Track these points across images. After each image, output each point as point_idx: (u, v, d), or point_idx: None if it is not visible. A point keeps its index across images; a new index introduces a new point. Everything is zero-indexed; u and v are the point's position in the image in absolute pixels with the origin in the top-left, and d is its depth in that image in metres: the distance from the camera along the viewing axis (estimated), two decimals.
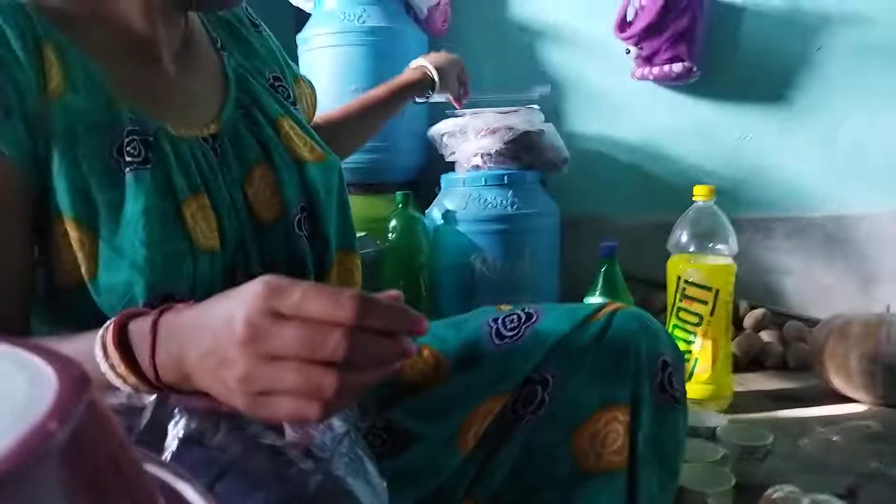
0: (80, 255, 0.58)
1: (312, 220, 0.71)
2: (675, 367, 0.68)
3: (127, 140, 0.60)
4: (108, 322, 0.49)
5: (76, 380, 0.23)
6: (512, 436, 0.67)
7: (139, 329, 0.48)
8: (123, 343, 0.48)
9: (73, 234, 0.58)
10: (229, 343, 0.42)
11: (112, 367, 0.47)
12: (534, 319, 0.72)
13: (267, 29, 0.83)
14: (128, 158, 0.59)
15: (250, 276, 0.50)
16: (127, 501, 0.24)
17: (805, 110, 1.71)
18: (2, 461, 0.18)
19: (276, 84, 0.77)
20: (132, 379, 0.47)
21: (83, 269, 0.58)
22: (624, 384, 0.66)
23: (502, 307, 0.79)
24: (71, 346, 0.50)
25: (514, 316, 0.74)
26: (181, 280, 0.60)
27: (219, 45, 0.75)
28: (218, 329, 0.43)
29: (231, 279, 0.64)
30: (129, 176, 0.59)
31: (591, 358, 0.67)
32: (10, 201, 0.57)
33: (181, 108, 0.68)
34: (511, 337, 0.72)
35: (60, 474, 0.20)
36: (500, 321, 0.74)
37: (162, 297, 0.58)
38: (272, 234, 0.68)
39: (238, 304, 0.43)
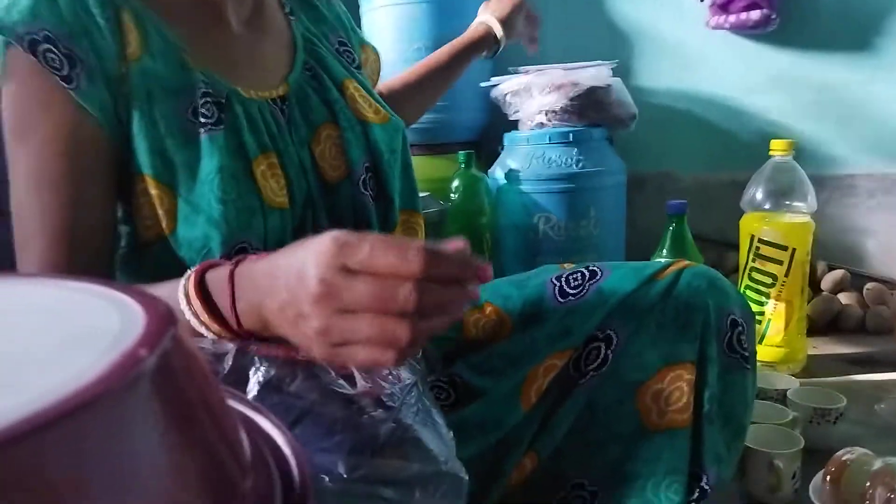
0: (159, 212, 0.61)
1: (377, 180, 0.72)
2: (745, 325, 0.67)
3: (201, 102, 0.63)
4: (187, 272, 0.52)
5: (163, 314, 0.25)
6: (574, 392, 0.68)
7: (217, 278, 0.50)
8: (204, 292, 0.50)
9: (153, 191, 0.61)
10: (304, 299, 0.44)
11: (195, 314, 0.50)
12: (598, 277, 0.72)
13: None
14: (202, 120, 0.62)
15: (319, 233, 0.51)
16: (211, 428, 0.26)
17: (892, 58, 1.60)
18: (97, 383, 0.20)
19: (342, 48, 0.80)
20: (214, 326, 0.50)
21: (163, 225, 0.61)
22: (690, 342, 0.65)
23: (566, 265, 0.79)
24: (156, 292, 0.53)
25: (578, 273, 0.73)
26: (253, 234, 0.62)
27: (287, 9, 0.77)
28: (292, 283, 0.45)
29: (301, 235, 0.66)
30: (203, 136, 0.62)
31: (657, 316, 0.67)
32: (97, 160, 0.60)
33: (251, 70, 0.70)
34: (574, 294, 0.72)
35: (150, 398, 0.21)
36: (563, 279, 0.74)
37: (237, 251, 0.61)
38: (339, 193, 0.71)
39: (310, 259, 0.44)
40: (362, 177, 0.71)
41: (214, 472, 0.25)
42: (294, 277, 0.45)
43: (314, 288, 0.43)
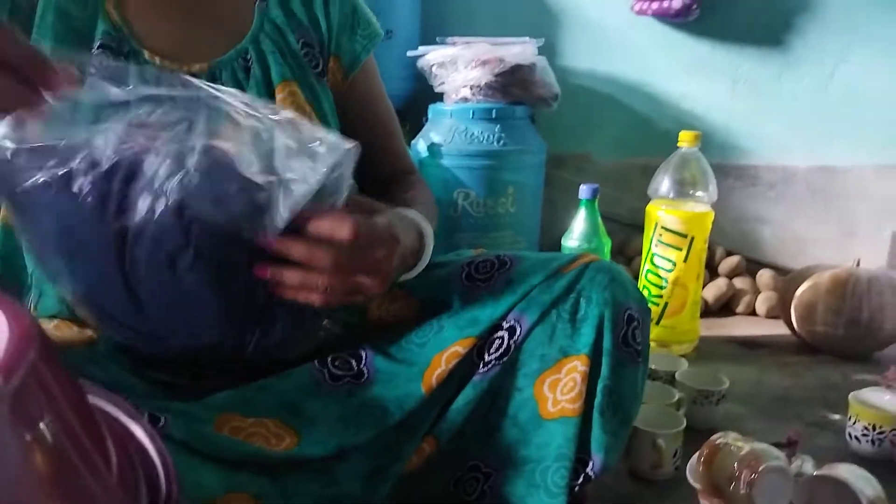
0: None
1: None
2: (640, 321, 0.70)
3: (96, 52, 0.64)
4: None
5: (26, 333, 0.24)
6: (475, 379, 0.70)
7: None
8: None
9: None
10: None
11: None
12: (507, 266, 0.74)
13: None
14: (92, 71, 0.62)
15: None
16: (72, 446, 0.26)
17: (800, 56, 1.68)
18: None
19: (305, 50, 0.77)
20: None
21: None
22: (587, 335, 0.68)
23: (479, 250, 0.81)
24: None
25: (488, 262, 0.75)
26: None
27: None
28: None
29: None
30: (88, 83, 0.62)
31: (559, 308, 0.69)
32: None
33: (173, 38, 0.71)
34: (482, 280, 0.74)
35: (8, 419, 0.21)
36: (473, 265, 0.75)
37: None
38: None
39: None
40: None
41: (77, 491, 0.25)
42: None
43: None
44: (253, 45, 0.74)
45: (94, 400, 0.30)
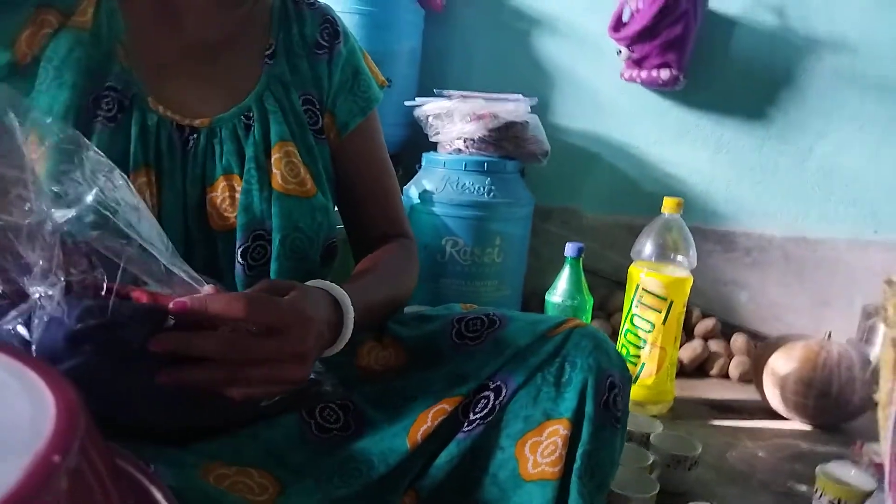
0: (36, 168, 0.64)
1: (264, 253, 0.73)
2: (621, 388, 0.73)
3: (104, 93, 0.67)
4: None
5: (72, 406, 0.26)
6: (459, 437, 0.71)
7: None
8: None
9: (39, 148, 0.63)
10: None
11: None
12: (497, 326, 0.76)
13: (348, 47, 0.83)
14: (98, 111, 0.66)
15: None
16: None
17: (781, 130, 1.76)
18: (11, 494, 0.21)
19: (307, 107, 0.79)
20: None
21: None
22: (570, 400, 0.70)
23: (469, 306, 0.83)
24: None
25: (479, 319, 0.77)
26: None
27: (269, 51, 0.78)
28: None
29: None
30: (96, 125, 0.66)
31: (545, 373, 0.71)
32: None
33: (179, 91, 0.73)
34: (472, 339, 0.76)
35: (66, 495, 0.23)
36: (463, 322, 0.78)
37: None
38: (215, 243, 0.72)
39: None
40: (245, 245, 0.71)
41: None
42: None
43: None
44: (256, 102, 0.75)
45: (120, 462, 0.32)
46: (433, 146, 1.74)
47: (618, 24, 1.68)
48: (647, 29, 1.60)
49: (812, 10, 1.68)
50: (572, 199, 1.91)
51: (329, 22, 0.82)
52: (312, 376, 0.71)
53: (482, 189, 1.62)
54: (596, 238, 1.86)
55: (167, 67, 0.72)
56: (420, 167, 1.72)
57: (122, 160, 0.66)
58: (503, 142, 1.65)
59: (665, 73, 1.64)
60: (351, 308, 0.66)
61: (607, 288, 1.84)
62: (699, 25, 1.66)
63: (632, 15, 1.65)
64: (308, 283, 0.65)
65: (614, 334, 1.72)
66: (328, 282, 0.66)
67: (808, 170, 1.75)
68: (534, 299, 1.83)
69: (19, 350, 0.28)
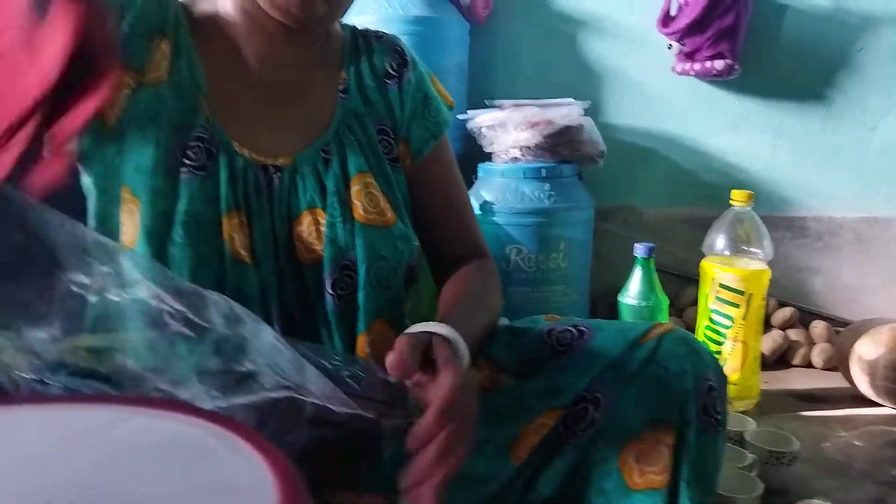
0: (126, 222, 0.68)
1: (352, 281, 0.75)
2: (719, 390, 0.73)
3: (192, 143, 0.69)
4: None
5: (290, 479, 0.28)
6: (563, 450, 0.72)
7: None
8: None
9: (128, 203, 0.68)
10: None
11: None
12: (586, 336, 0.77)
13: (416, 74, 0.84)
14: (186, 161, 0.69)
15: (283, 300, 0.68)
16: None
17: (842, 111, 1.71)
18: None
19: (381, 137, 0.80)
20: None
21: (125, 236, 0.68)
22: (671, 407, 0.70)
23: (553, 318, 0.84)
24: None
25: (568, 332, 0.78)
26: (206, 281, 0.67)
27: (342, 87, 0.80)
28: None
29: (263, 295, 0.72)
30: (183, 176, 0.68)
31: (641, 380, 0.71)
32: None
33: (259, 132, 0.75)
34: (564, 353, 0.77)
35: None
36: (553, 336, 0.78)
37: None
38: (305, 276, 0.74)
39: None
40: (333, 276, 0.73)
41: None
42: None
43: None
44: (334, 137, 0.77)
45: None
46: (488, 157, 1.75)
47: (666, 19, 1.66)
48: (697, 21, 1.58)
49: None
50: (630, 196, 1.89)
51: (397, 51, 0.84)
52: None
53: (542, 195, 1.62)
54: (657, 234, 1.84)
55: (247, 111, 0.74)
56: (476, 178, 1.73)
57: (213, 205, 0.69)
58: (559, 147, 1.65)
59: (719, 64, 1.62)
60: (466, 352, 0.66)
61: (675, 283, 1.82)
62: (750, 13, 1.63)
63: (680, 8, 1.64)
64: (419, 326, 0.65)
65: (688, 330, 1.70)
66: (442, 325, 0.65)
67: (873, 148, 1.70)
68: (601, 301, 1.82)
69: (231, 419, 0.30)
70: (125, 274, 0.46)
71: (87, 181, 0.71)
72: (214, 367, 0.43)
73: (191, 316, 0.45)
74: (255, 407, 0.44)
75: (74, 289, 0.45)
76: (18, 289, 0.44)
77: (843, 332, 1.48)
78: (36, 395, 0.37)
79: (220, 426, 0.28)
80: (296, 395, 0.45)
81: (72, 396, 0.30)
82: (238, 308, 0.49)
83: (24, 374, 0.42)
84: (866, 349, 1.35)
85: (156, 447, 0.27)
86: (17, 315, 0.45)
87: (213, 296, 0.48)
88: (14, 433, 0.30)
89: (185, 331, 0.44)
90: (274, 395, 0.43)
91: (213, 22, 0.76)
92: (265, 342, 0.47)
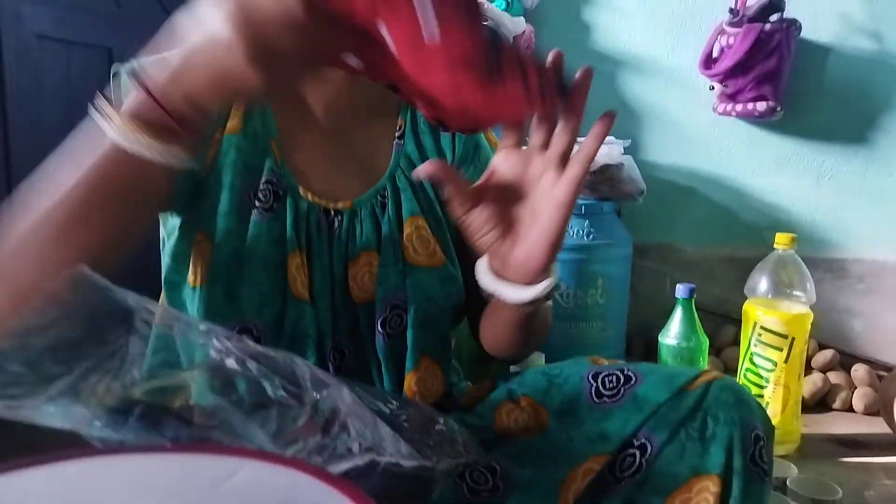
0: (198, 263, 0.71)
1: (402, 321, 0.78)
2: (766, 440, 0.73)
3: (262, 187, 0.73)
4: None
5: None
6: (610, 496, 0.73)
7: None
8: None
9: (202, 244, 0.71)
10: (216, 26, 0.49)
11: (115, 126, 0.52)
12: (633, 382, 0.78)
13: None
14: (256, 203, 0.73)
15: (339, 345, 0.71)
16: None
17: (885, 153, 1.71)
18: None
19: (433, 182, 0.82)
20: (133, 125, 0.52)
21: (195, 276, 0.72)
22: (717, 455, 0.71)
23: (598, 360, 0.85)
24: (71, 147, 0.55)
25: (613, 376, 0.79)
26: (269, 318, 0.72)
27: (399, 132, 0.83)
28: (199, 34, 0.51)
29: (319, 332, 0.75)
30: (253, 215, 0.72)
31: (688, 427, 0.72)
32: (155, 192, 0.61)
33: (323, 177, 0.79)
34: (609, 397, 0.78)
35: None
36: (599, 379, 0.80)
37: (239, 330, 0.70)
38: (360, 314, 0.77)
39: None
40: (383, 316, 0.77)
41: None
42: (208, 42, 0.50)
43: (235, 43, 0.48)
44: (390, 181, 0.80)
45: None
46: None
47: (708, 61, 1.69)
48: (739, 64, 1.60)
49: None
50: (669, 234, 1.90)
51: None
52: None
53: (581, 232, 1.64)
54: (696, 272, 1.84)
55: (312, 156, 0.78)
56: None
57: (279, 244, 0.73)
58: (599, 184, 1.67)
59: (762, 106, 1.64)
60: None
61: (713, 322, 1.81)
62: (793, 56, 1.64)
63: (722, 51, 1.66)
64: None
65: (725, 371, 1.69)
66: None
67: None
68: (637, 338, 1.82)
69: (332, 475, 0.32)
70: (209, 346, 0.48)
71: (174, 222, 0.75)
72: (314, 433, 0.46)
73: (286, 384, 0.47)
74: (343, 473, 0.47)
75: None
76: (95, 350, 0.47)
77: (887, 377, 1.46)
78: (136, 444, 0.39)
79: (324, 482, 0.31)
80: (375, 457, 0.48)
81: (176, 445, 0.33)
82: (318, 371, 0.51)
83: (98, 422, 0.44)
84: None
85: (268, 500, 0.30)
86: (92, 368, 0.47)
87: (297, 359, 0.51)
88: (125, 482, 0.33)
89: (285, 397, 0.46)
90: (359, 461, 0.46)
91: None
92: (347, 403, 0.49)
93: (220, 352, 0.46)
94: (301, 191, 0.76)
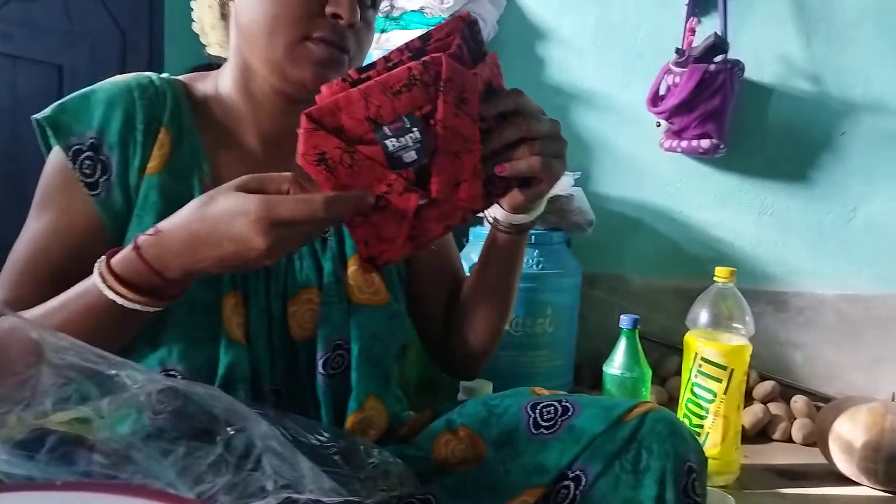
0: None
1: (344, 361, 0.77)
2: (699, 472, 0.74)
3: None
4: (98, 264, 0.63)
5: None
6: None
7: (126, 259, 0.62)
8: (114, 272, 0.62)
9: None
10: (254, 255, 0.59)
11: (112, 288, 0.61)
12: (570, 413, 0.78)
13: None
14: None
15: (275, 383, 0.72)
16: None
17: (824, 191, 1.78)
18: None
19: None
20: (135, 296, 0.61)
21: None
22: (650, 488, 0.71)
23: (537, 391, 0.85)
24: (70, 294, 0.64)
25: (552, 407, 0.80)
26: (204, 362, 0.70)
27: None
28: (231, 247, 0.59)
29: (257, 378, 0.74)
30: None
31: (622, 459, 0.73)
32: (91, 248, 0.68)
33: None
34: (547, 429, 0.78)
35: None
36: (537, 410, 0.80)
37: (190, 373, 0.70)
38: (299, 354, 0.77)
39: (241, 224, 0.58)
40: (326, 356, 0.76)
41: None
42: (230, 241, 0.59)
43: (261, 249, 0.58)
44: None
45: None
46: (479, 221, 1.79)
47: (655, 99, 1.73)
48: (685, 103, 1.65)
49: (847, 75, 1.72)
50: (618, 265, 1.93)
51: None
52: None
53: (531, 261, 1.65)
54: (643, 303, 1.88)
55: None
56: (467, 241, 1.77)
57: (213, 286, 0.71)
58: (549, 214, 1.69)
59: (705, 143, 1.69)
60: None
61: (658, 352, 1.85)
62: (736, 95, 1.70)
63: (668, 89, 1.71)
64: None
65: (670, 401, 1.71)
66: None
67: (856, 229, 1.76)
68: (585, 367, 1.84)
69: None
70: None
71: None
72: (224, 471, 0.45)
73: (198, 419, 0.47)
74: None
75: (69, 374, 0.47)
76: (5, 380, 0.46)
77: (824, 409, 1.50)
78: (29, 482, 0.38)
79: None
80: (292, 495, 0.47)
81: (66, 483, 0.32)
82: (237, 404, 0.50)
83: (4, 455, 0.43)
84: (845, 428, 1.37)
85: None
86: (2, 399, 0.46)
87: (212, 391, 0.50)
88: None
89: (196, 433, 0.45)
90: (273, 500, 0.45)
91: (215, 101, 0.79)
92: (265, 438, 0.48)
93: (132, 385, 0.45)
94: None
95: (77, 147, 0.71)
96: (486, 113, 0.64)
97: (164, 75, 0.79)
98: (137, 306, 0.62)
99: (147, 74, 0.77)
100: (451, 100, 0.60)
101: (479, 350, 0.91)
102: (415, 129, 0.59)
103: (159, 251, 0.61)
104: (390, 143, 0.59)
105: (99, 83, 0.75)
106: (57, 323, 0.63)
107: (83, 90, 0.74)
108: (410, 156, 0.60)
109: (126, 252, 0.62)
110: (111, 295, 0.61)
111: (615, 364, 1.34)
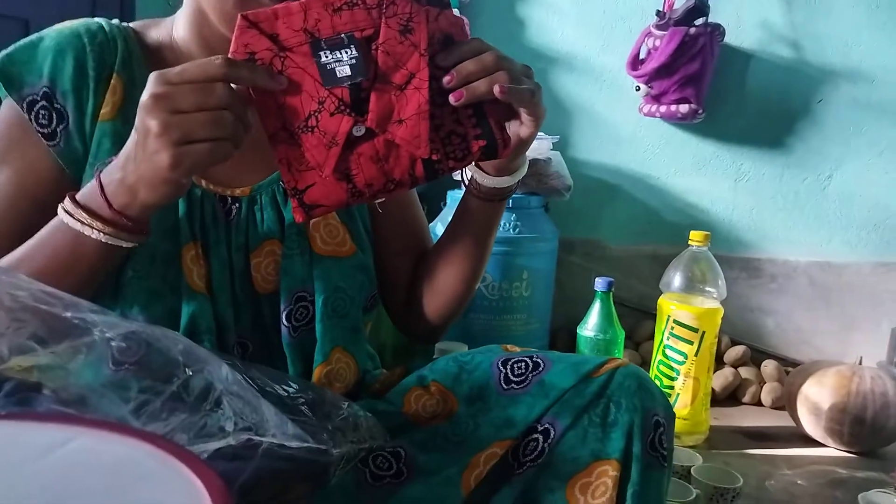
0: None
1: (309, 312, 0.76)
2: (666, 426, 0.75)
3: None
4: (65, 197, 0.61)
5: (223, 494, 0.29)
6: (511, 480, 0.73)
7: (88, 189, 0.61)
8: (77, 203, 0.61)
9: None
10: (142, 118, 0.55)
11: (80, 221, 0.59)
12: (541, 369, 0.78)
13: None
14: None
15: (242, 334, 0.69)
16: None
17: (800, 158, 1.78)
18: None
19: None
20: (97, 223, 0.59)
21: None
22: (618, 441, 0.72)
23: (509, 348, 0.85)
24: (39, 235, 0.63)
25: (523, 363, 0.80)
26: (165, 312, 0.69)
27: None
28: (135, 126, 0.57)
29: (222, 330, 0.73)
30: None
31: (591, 413, 0.73)
32: (54, 197, 0.65)
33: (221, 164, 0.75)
34: (518, 384, 0.78)
35: None
36: (508, 366, 0.80)
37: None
38: (262, 306, 0.75)
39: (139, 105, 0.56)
40: (288, 308, 0.74)
41: None
42: (134, 135, 0.57)
43: (147, 101, 0.55)
44: None
45: None
46: (457, 184, 1.77)
47: (635, 62, 1.72)
48: (664, 66, 1.64)
49: (825, 42, 1.72)
50: (595, 230, 1.93)
51: None
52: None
53: (508, 225, 1.65)
54: (620, 268, 1.88)
55: None
56: (445, 205, 1.76)
57: (171, 236, 0.70)
58: (527, 178, 1.68)
59: (684, 108, 1.68)
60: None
61: (633, 317, 1.86)
62: (716, 60, 1.69)
63: (649, 53, 1.70)
64: None
65: (644, 364, 1.73)
66: None
67: (830, 196, 1.77)
68: (561, 331, 1.85)
69: (173, 443, 0.30)
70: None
71: None
72: (181, 411, 0.44)
73: (155, 360, 0.45)
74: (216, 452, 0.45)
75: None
76: None
77: (792, 372, 1.53)
78: None
79: (161, 449, 0.29)
80: (253, 437, 0.46)
81: (22, 413, 0.31)
82: (197, 348, 0.49)
83: None
84: (812, 391, 1.39)
85: (97, 469, 0.28)
86: None
87: (171, 334, 0.49)
88: None
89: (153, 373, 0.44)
90: (233, 440, 0.44)
91: (169, 48, 0.76)
92: (225, 381, 0.47)
93: (91, 328, 0.44)
94: (193, 177, 0.72)
95: (31, 98, 0.69)
96: (443, 62, 0.62)
97: (115, 21, 0.76)
98: (101, 236, 0.60)
99: (96, 20, 0.74)
100: (395, 25, 0.58)
101: (441, 316, 0.90)
102: (352, 46, 0.57)
103: (110, 178, 0.60)
104: (324, 55, 0.57)
105: (45, 30, 0.72)
106: (26, 268, 0.61)
107: (29, 38, 0.71)
108: (344, 70, 0.57)
109: (90, 184, 0.61)
110: (77, 226, 0.60)
111: (589, 326, 1.35)
